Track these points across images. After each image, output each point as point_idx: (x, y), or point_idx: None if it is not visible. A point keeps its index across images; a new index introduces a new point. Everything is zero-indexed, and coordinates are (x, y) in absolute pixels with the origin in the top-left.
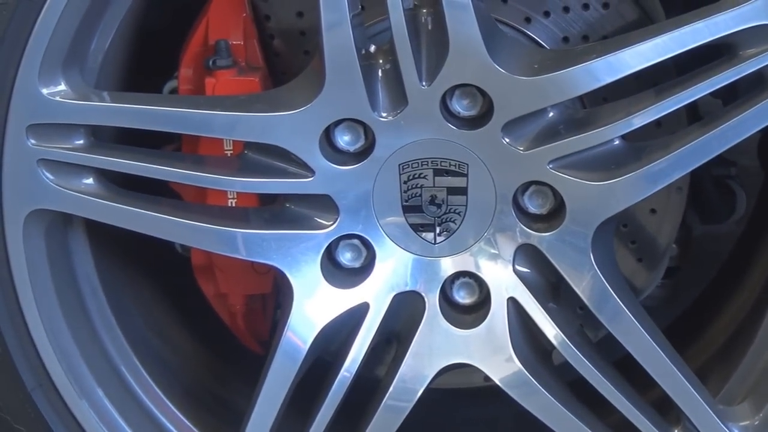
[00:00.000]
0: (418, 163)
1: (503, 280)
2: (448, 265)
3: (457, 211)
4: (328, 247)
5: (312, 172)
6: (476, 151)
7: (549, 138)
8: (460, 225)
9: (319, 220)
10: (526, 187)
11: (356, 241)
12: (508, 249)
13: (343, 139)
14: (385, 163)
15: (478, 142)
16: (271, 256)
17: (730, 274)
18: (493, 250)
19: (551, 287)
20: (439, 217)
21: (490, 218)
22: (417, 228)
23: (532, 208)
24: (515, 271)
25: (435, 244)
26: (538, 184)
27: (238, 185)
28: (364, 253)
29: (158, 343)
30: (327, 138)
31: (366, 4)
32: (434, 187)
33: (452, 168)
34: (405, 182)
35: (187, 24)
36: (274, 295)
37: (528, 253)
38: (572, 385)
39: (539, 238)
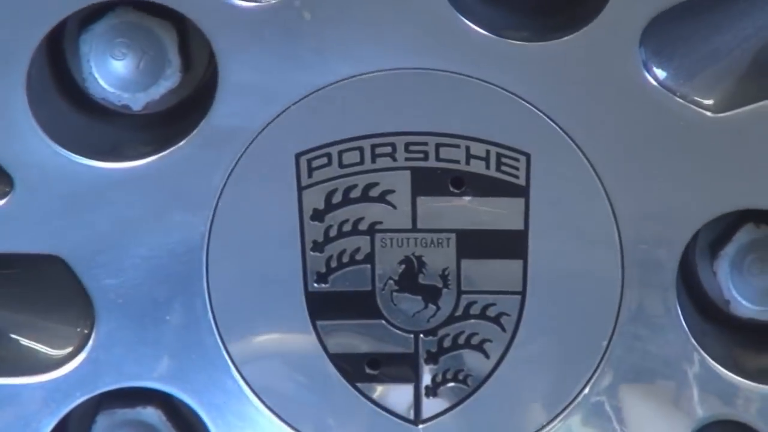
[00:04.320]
0: (367, 148)
1: None
2: None
3: (489, 311)
4: None
5: (7, 181)
6: (554, 114)
7: None
8: (501, 359)
9: (25, 342)
10: (727, 231)
11: (151, 414)
12: None
13: (112, 67)
14: (252, 146)
15: (558, 82)
16: None
17: None
18: None
19: None
20: (430, 333)
21: (607, 337)
22: (355, 371)
23: (747, 303)
24: None
25: (418, 423)
26: None
27: None
28: None
29: None
30: (53, 59)
31: None
32: (415, 231)
33: (473, 169)
34: (316, 215)
35: None
36: None
37: None
38: None
39: None
